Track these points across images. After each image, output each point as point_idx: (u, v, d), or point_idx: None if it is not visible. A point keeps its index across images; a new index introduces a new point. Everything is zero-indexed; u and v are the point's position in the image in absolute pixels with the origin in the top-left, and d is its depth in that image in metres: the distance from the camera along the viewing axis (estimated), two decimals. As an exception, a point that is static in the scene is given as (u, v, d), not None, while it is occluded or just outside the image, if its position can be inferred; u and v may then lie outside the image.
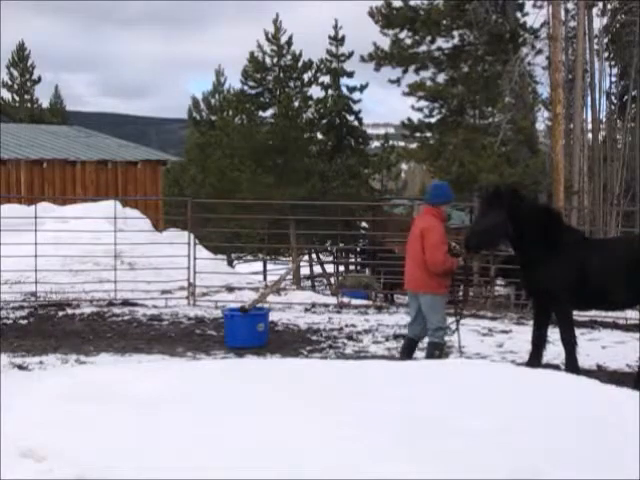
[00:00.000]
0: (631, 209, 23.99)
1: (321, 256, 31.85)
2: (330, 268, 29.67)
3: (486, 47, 21.15)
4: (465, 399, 3.84)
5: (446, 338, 8.13)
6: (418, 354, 9.31)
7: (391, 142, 31.50)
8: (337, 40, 30.02)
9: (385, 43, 21.90)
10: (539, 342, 7.82)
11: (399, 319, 11.78)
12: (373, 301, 15.28)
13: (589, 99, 25.87)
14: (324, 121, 29.72)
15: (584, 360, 8.26)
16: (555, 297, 7.64)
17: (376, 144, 34.59)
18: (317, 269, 31.00)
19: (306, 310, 12.62)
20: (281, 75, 29.26)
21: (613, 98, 28.25)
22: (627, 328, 11.08)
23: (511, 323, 11.56)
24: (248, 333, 9.80)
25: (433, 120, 22.87)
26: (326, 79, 29.99)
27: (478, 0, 20.38)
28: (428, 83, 22.05)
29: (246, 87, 29.36)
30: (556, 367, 7.87)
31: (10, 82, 41.54)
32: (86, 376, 4.54)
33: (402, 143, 30.47)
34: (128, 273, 13.70)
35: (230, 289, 14.23)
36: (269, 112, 29.23)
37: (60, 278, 13.24)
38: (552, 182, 18.67)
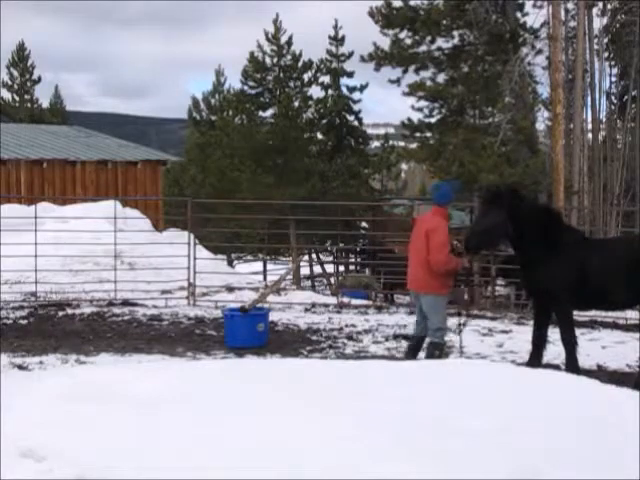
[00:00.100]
0: (631, 209, 23.99)
1: (321, 256, 31.86)
2: (330, 268, 29.68)
3: (486, 47, 21.15)
4: (465, 399, 3.84)
5: (452, 337, 8.12)
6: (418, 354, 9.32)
7: (391, 142, 31.54)
8: (337, 40, 30.04)
9: (385, 43, 21.92)
10: (539, 342, 7.82)
11: (399, 319, 11.79)
12: (373, 301, 15.28)
13: (589, 99, 25.90)
14: (324, 121, 29.75)
15: (584, 360, 8.26)
16: (555, 297, 7.64)
17: (376, 144, 34.62)
18: (317, 269, 31.01)
19: (306, 310, 12.62)
20: (281, 75, 29.28)
21: (613, 98, 28.25)
22: (627, 328, 11.08)
23: (511, 323, 11.56)
24: (248, 333, 9.80)
25: (433, 120, 22.86)
26: (326, 79, 30.05)
27: (478, 0, 20.38)
28: (428, 83, 22.05)
29: (246, 87, 29.40)
30: (556, 367, 7.87)
31: (10, 82, 41.56)
32: (86, 376, 4.54)
33: (402, 143, 30.48)
34: (128, 273, 13.70)
35: (230, 289, 14.23)
36: (269, 112, 29.27)
37: (60, 278, 13.24)
38: (552, 182, 18.68)
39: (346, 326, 11.26)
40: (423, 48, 21.72)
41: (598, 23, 26.38)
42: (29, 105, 41.46)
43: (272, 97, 29.13)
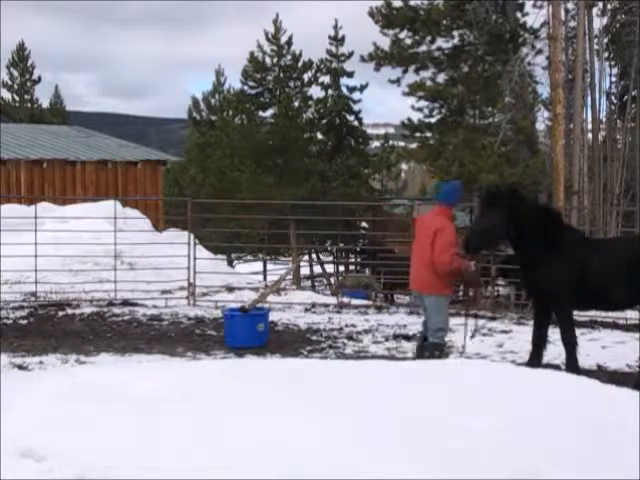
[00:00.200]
0: (631, 209, 23.99)
1: (321, 256, 31.86)
2: (330, 268, 29.68)
3: (486, 47, 21.15)
4: (465, 399, 3.84)
5: (452, 337, 8.12)
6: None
7: (391, 142, 31.54)
8: (337, 40, 30.04)
9: (385, 43, 21.94)
10: (539, 342, 7.82)
11: (399, 319, 11.79)
12: (373, 301, 15.27)
13: (589, 99, 25.90)
14: (324, 121, 29.75)
15: (584, 360, 8.25)
16: (555, 297, 7.64)
17: (376, 144, 34.62)
18: (317, 269, 31.01)
19: (306, 310, 12.62)
20: (281, 75, 29.28)
21: (613, 98, 28.25)
22: (627, 328, 11.08)
23: (511, 323, 11.55)
24: (248, 333, 9.79)
25: (433, 120, 22.88)
26: (326, 79, 30.05)
27: (478, 0, 20.38)
28: (428, 83, 22.06)
29: (246, 87, 29.40)
30: (556, 367, 7.87)
31: (10, 82, 41.56)
32: (86, 376, 4.54)
33: (402, 143, 30.48)
34: (128, 273, 13.69)
35: (230, 289, 14.22)
36: (269, 112, 29.27)
37: (60, 278, 13.24)
38: (552, 182, 18.67)
39: (346, 326, 11.26)
40: (423, 48, 21.75)
41: (598, 23, 26.42)
42: (29, 105, 41.46)
43: (272, 97, 29.13)
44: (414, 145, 25.34)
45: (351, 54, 29.67)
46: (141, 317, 11.80)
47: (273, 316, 11.23)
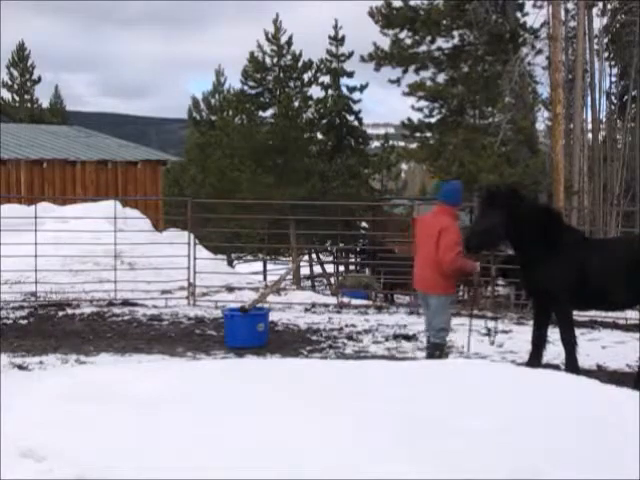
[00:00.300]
0: (631, 209, 23.99)
1: (321, 256, 31.85)
2: (330, 268, 29.67)
3: (486, 47, 21.14)
4: (465, 399, 3.84)
5: (452, 337, 8.12)
6: (418, 354, 9.32)
7: (391, 142, 31.52)
8: (337, 40, 30.04)
9: (385, 43, 21.92)
10: (539, 342, 7.82)
11: (399, 319, 11.79)
12: (373, 301, 15.27)
13: (589, 99, 25.91)
14: (324, 121, 29.74)
15: (584, 360, 8.26)
16: (555, 297, 7.64)
17: (376, 144, 34.61)
18: (317, 269, 31.00)
19: (306, 310, 12.62)
20: (281, 75, 29.28)
21: (613, 98, 28.26)
22: (627, 328, 11.08)
23: (511, 323, 11.56)
24: (248, 333, 9.80)
25: (433, 120, 22.87)
26: (326, 79, 30.04)
27: (478, 0, 20.37)
28: (428, 83, 22.05)
29: (246, 87, 29.39)
30: (556, 367, 7.87)
31: (10, 82, 41.56)
32: (86, 376, 4.54)
33: (402, 143, 30.48)
34: (128, 273, 13.70)
35: (230, 289, 14.23)
36: (269, 112, 29.26)
37: (60, 278, 13.24)
38: (552, 182, 18.67)
39: (346, 326, 11.26)
40: (423, 48, 21.73)
41: (598, 23, 26.44)
42: (29, 105, 41.46)
43: (272, 97, 29.13)
44: (414, 145, 25.33)
45: (351, 54, 29.67)
46: (141, 317, 11.81)
47: (273, 316, 11.23)
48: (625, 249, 7.98)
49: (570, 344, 7.67)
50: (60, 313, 11.99)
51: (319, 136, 30.19)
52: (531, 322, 8.50)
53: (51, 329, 10.87)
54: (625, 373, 8.50)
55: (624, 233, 23.35)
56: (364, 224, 29.98)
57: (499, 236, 7.80)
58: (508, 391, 4.06)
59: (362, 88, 30.07)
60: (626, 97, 27.06)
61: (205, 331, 10.90)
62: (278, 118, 27.61)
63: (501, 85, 20.69)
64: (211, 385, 4.14)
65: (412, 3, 21.62)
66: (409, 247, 15.84)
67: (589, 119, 26.22)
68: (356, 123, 30.33)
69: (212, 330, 10.90)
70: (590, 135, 26.39)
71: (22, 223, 13.02)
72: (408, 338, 10.36)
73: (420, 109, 22.72)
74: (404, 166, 61.06)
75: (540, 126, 25.37)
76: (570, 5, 26.09)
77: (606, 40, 26.67)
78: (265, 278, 24.72)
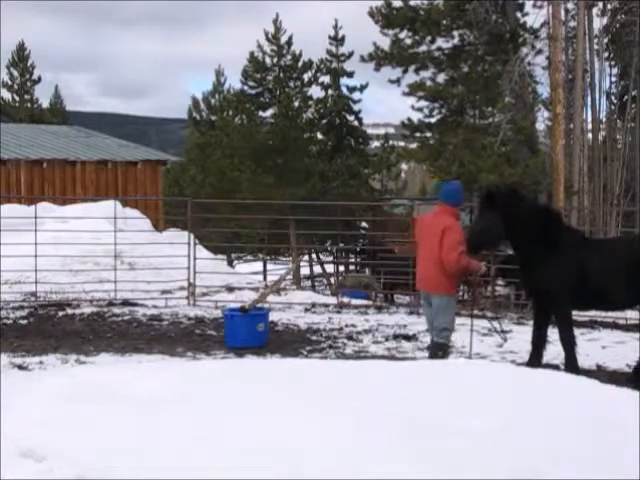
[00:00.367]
0: (631, 209, 23.99)
1: (321, 256, 31.85)
2: (330, 268, 29.67)
3: (486, 47, 21.15)
4: (465, 399, 3.84)
5: (453, 337, 8.10)
6: (418, 354, 9.32)
7: (391, 142, 31.52)
8: (337, 40, 30.04)
9: (385, 43, 21.93)
10: (539, 342, 7.83)
11: (399, 319, 11.79)
12: (373, 301, 15.27)
13: (589, 99, 25.91)
14: (324, 121, 29.74)
15: (584, 360, 8.26)
16: (555, 297, 7.64)
17: (376, 144, 34.61)
18: (317, 269, 31.00)
19: (306, 310, 12.62)
20: (281, 75, 29.28)
21: (613, 98, 28.26)
22: (627, 328, 11.08)
23: (511, 323, 11.56)
24: (248, 333, 9.80)
25: (433, 120, 22.87)
26: (326, 79, 30.04)
27: (478, 0, 20.38)
28: (428, 83, 22.05)
29: (246, 87, 29.39)
30: (556, 367, 7.87)
31: (10, 82, 41.56)
32: (86, 376, 4.54)
33: (402, 143, 30.48)
34: (128, 273, 13.70)
35: (230, 289, 14.23)
36: (269, 112, 29.26)
37: (60, 278, 13.24)
38: (552, 182, 18.67)
39: (346, 326, 11.26)
40: (423, 48, 21.74)
41: (598, 23, 26.45)
42: (29, 105, 41.46)
43: (272, 97, 29.13)
44: (414, 145, 25.33)
45: (351, 54, 29.67)
46: (141, 317, 11.81)
47: (273, 316, 11.23)
48: (625, 249, 7.98)
49: (569, 344, 7.68)
50: (60, 313, 11.99)
51: (319, 136, 30.19)
52: (531, 322, 8.51)
53: (51, 329, 10.87)
54: (625, 373, 8.50)
55: (624, 233, 23.35)
56: (364, 224, 29.98)
57: (498, 236, 7.80)
58: (508, 391, 4.06)
59: (362, 88, 30.09)
60: (626, 97, 27.06)
61: (205, 331, 10.90)
62: (278, 118, 27.61)
63: (501, 85, 20.69)
64: (211, 385, 4.14)
65: (412, 3, 21.65)
66: (409, 247, 15.85)
67: (589, 119, 26.26)
68: (356, 123, 30.33)
69: (212, 330, 10.90)
70: (590, 135, 26.39)
71: (22, 223, 13.02)
72: (408, 338, 10.36)
73: (420, 109, 22.74)
74: (404, 166, 61.07)
75: (540, 126, 25.41)
76: (570, 5, 26.13)
77: (606, 40, 26.67)
78: (265, 278, 24.71)
